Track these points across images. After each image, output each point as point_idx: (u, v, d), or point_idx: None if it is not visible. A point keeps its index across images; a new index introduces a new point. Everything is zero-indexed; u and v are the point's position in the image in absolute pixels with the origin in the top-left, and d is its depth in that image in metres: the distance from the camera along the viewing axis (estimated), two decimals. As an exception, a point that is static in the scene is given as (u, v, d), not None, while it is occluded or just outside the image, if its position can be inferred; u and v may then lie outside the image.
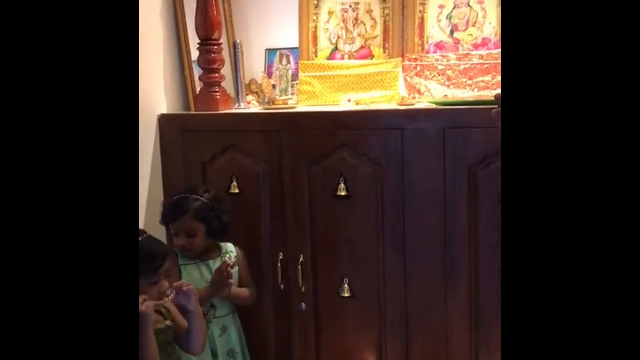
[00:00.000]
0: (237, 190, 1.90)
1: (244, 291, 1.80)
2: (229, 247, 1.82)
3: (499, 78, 1.95)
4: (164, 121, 1.95)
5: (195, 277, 1.71)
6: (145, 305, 1.26)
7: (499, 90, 1.24)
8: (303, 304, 1.88)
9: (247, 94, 2.19)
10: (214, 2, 1.97)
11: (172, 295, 1.37)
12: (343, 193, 1.79)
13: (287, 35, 2.25)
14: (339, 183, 1.79)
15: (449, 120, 1.69)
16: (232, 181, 1.91)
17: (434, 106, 1.76)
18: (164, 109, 1.98)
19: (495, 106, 1.19)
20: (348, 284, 1.83)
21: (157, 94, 1.96)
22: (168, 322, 1.39)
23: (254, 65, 2.28)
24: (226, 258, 1.77)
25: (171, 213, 1.71)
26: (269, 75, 2.24)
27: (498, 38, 1.99)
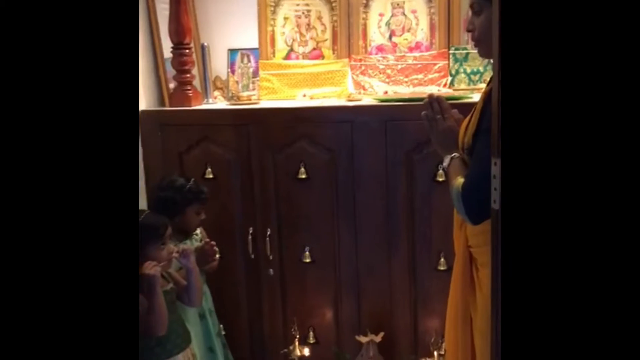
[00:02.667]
0: (211, 176, 2.20)
1: (216, 261, 2.06)
2: None
3: (430, 76, 2.33)
4: (144, 117, 2.22)
5: None
6: (154, 269, 1.56)
7: (430, 91, 1.59)
8: (271, 270, 2.21)
9: (213, 90, 2.48)
10: (185, 10, 2.24)
11: (176, 257, 1.67)
12: (303, 176, 2.12)
13: (247, 37, 2.54)
14: (299, 168, 2.12)
15: (389, 114, 2.04)
16: (206, 168, 2.20)
17: (377, 102, 2.12)
18: (143, 106, 2.25)
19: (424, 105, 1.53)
20: (309, 252, 2.18)
21: (136, 92, 2.23)
22: (171, 285, 1.70)
23: (217, 64, 2.56)
24: (195, 235, 2.06)
25: (206, 193, 1.98)
26: (232, 72, 2.54)
27: (429, 42, 2.37)
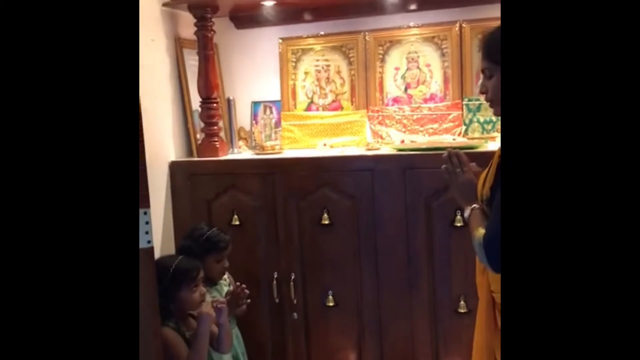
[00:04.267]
0: (237, 222, 2.31)
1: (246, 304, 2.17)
2: None
3: (444, 125, 2.45)
4: (174, 167, 2.34)
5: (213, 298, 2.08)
6: (210, 309, 1.63)
7: (446, 139, 1.68)
8: (295, 314, 2.28)
9: (238, 140, 2.61)
10: (212, 68, 2.39)
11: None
12: (326, 222, 2.22)
13: (269, 90, 2.68)
14: (322, 214, 2.22)
15: (408, 162, 2.14)
16: (233, 215, 2.31)
17: (395, 152, 2.23)
18: (172, 157, 2.37)
19: (445, 155, 1.63)
20: (332, 296, 2.26)
21: (167, 144, 2.36)
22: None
23: (241, 115, 2.70)
24: (222, 280, 2.14)
25: (226, 242, 2.04)
26: (255, 123, 2.67)
27: (443, 93, 2.49)
